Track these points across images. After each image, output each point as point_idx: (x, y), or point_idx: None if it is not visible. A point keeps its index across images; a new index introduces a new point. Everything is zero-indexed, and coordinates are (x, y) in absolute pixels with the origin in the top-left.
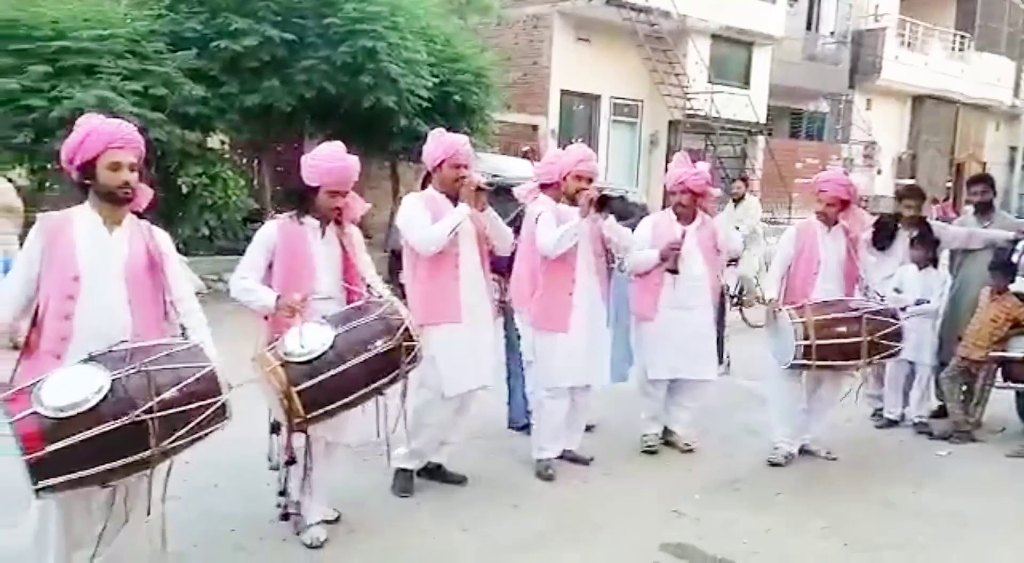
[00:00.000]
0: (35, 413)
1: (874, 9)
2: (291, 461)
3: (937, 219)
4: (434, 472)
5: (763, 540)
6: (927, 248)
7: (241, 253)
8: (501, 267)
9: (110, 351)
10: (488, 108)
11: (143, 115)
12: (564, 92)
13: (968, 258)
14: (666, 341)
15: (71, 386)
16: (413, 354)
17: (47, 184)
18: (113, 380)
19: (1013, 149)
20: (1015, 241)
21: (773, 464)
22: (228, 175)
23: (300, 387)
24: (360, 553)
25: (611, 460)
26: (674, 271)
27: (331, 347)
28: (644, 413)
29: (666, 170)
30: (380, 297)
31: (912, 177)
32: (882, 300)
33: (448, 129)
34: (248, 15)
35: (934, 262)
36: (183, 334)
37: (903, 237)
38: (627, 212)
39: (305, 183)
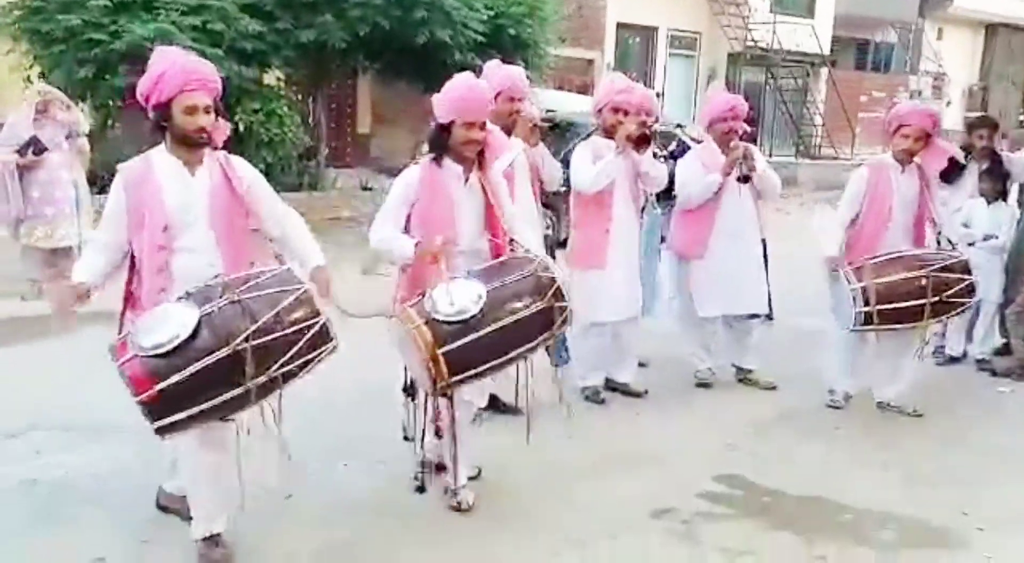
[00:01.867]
0: (136, 356)
1: None
2: (438, 434)
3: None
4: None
5: (820, 473)
6: (997, 181)
7: (297, 189)
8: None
9: (206, 286)
10: (543, 42)
11: (201, 50)
12: (620, 25)
13: None
14: (717, 277)
15: (162, 325)
16: (564, 316)
17: (110, 122)
18: (205, 314)
19: None
20: None
21: (832, 407)
22: (284, 112)
23: (446, 348)
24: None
25: (664, 394)
26: (747, 178)
27: (482, 305)
28: (690, 349)
29: None
30: (527, 252)
31: (983, 110)
32: (953, 247)
33: (502, 63)
34: None
35: (1004, 196)
36: (277, 258)
37: (972, 170)
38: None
39: (438, 122)
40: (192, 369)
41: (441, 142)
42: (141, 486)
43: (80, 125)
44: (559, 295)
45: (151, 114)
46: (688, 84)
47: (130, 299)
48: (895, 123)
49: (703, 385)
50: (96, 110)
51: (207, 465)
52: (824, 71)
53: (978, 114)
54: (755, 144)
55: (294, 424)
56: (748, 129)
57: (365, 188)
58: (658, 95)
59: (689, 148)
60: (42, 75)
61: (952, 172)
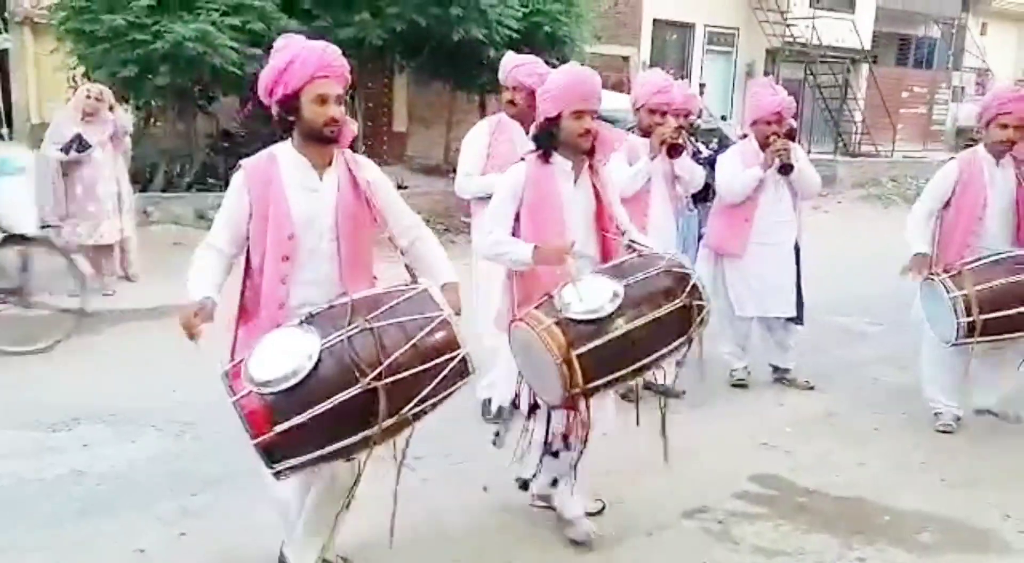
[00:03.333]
0: (252, 391)
1: None
2: (556, 452)
3: None
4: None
5: (857, 473)
6: None
7: None
8: None
9: (329, 308)
10: (578, 39)
11: (241, 50)
12: (656, 21)
13: None
14: (754, 278)
15: (281, 355)
16: (703, 316)
17: (152, 120)
18: (331, 344)
19: None
20: None
21: (942, 432)
22: None
23: (582, 349)
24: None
25: (700, 394)
26: (788, 168)
27: (619, 302)
28: (726, 348)
29: None
30: (650, 250)
31: None
32: None
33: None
34: None
35: None
36: (409, 272)
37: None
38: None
39: (545, 117)
40: (318, 409)
41: (550, 137)
42: (178, 476)
43: (126, 124)
44: (696, 293)
45: (274, 109)
46: (726, 81)
47: (244, 313)
48: (992, 111)
49: (739, 385)
50: (138, 109)
51: (310, 495)
52: (865, 67)
53: None
54: (794, 141)
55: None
56: (793, 124)
57: (401, 187)
58: (701, 86)
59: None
60: (86, 75)
61: None
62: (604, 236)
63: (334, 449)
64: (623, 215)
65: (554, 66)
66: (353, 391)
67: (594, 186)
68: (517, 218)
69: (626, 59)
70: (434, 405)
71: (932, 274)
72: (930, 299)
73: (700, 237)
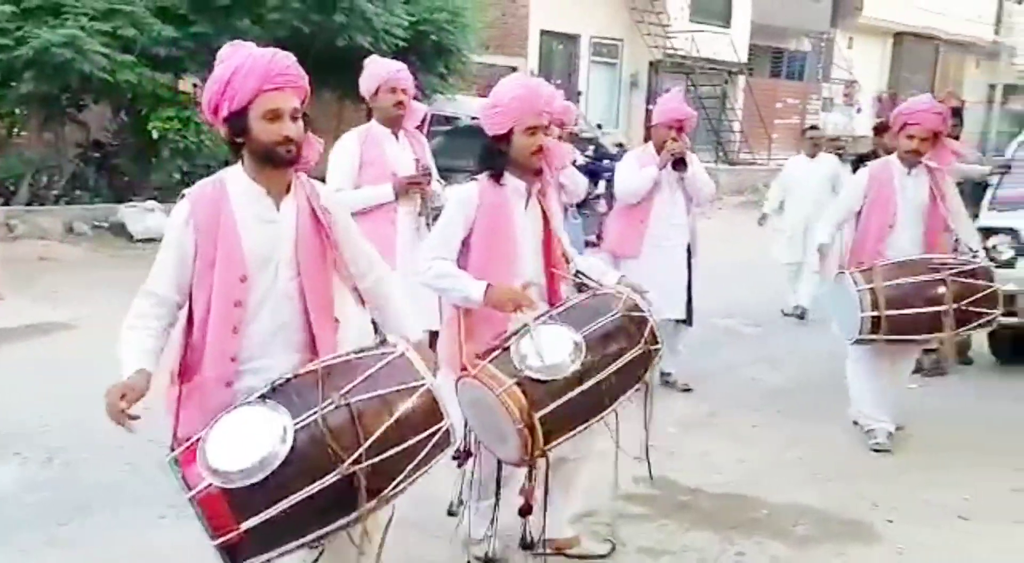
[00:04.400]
0: (212, 485)
1: None
2: (527, 511)
3: None
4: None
5: (737, 470)
6: None
7: None
8: None
9: (295, 377)
10: (465, 49)
11: (112, 57)
12: (543, 32)
13: None
14: (647, 280)
15: (246, 440)
16: (657, 359)
17: (16, 130)
18: (304, 424)
19: (992, 87)
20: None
21: (877, 450)
22: (201, 119)
23: (543, 412)
24: None
25: None
26: (682, 163)
27: (583, 357)
28: None
29: (647, 111)
30: (599, 285)
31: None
32: (974, 255)
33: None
34: None
35: None
36: (375, 329)
37: None
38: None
39: (493, 134)
40: (291, 500)
41: (500, 156)
42: (44, 505)
43: None
44: (653, 336)
45: (222, 130)
46: (611, 91)
47: (186, 373)
48: (901, 120)
49: None
50: (1, 119)
51: None
52: (742, 79)
53: (883, 120)
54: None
55: None
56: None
57: None
58: (577, 95)
59: (609, 156)
60: None
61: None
62: (552, 263)
63: (305, 540)
64: (567, 239)
65: (441, 75)
66: (330, 479)
67: (543, 209)
68: (464, 244)
69: (514, 69)
70: (413, 481)
71: (842, 270)
72: (837, 296)
73: (586, 244)
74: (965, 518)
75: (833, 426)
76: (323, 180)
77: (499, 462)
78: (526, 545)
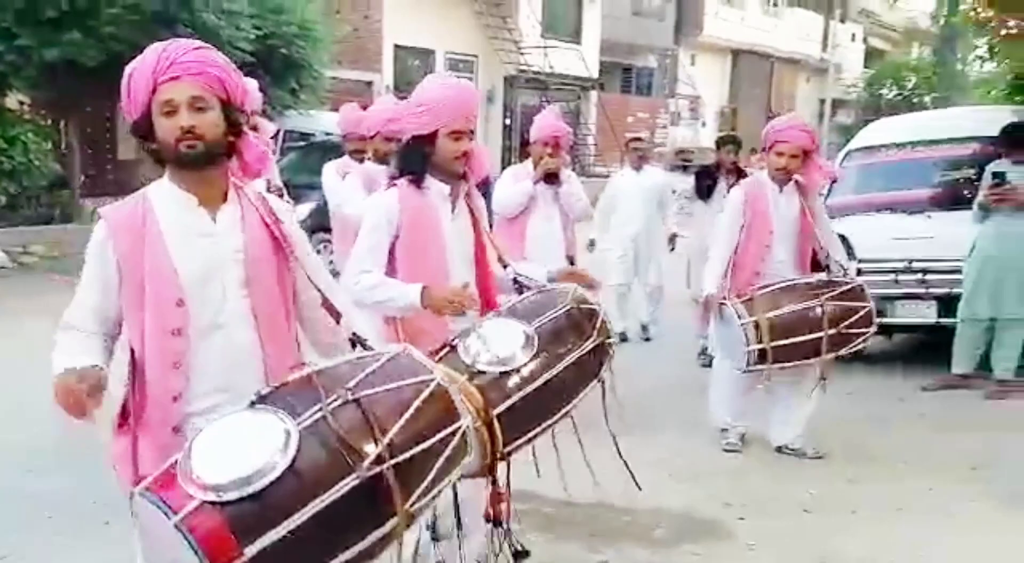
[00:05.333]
0: (204, 504)
1: None
2: (498, 522)
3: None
4: None
5: (601, 479)
6: None
7: (46, 222)
8: None
9: (282, 385)
10: (317, 63)
11: None
12: (398, 47)
13: None
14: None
15: (238, 448)
16: (611, 352)
17: None
18: (309, 424)
19: (822, 101)
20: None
21: (728, 451)
22: (29, 138)
23: (501, 408)
24: None
25: None
26: (555, 177)
27: (535, 348)
28: None
29: (504, 126)
30: (541, 283)
31: (733, 129)
32: (845, 273)
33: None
34: None
35: None
36: (358, 342)
37: (722, 186)
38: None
39: (415, 134)
40: (303, 514)
41: (422, 159)
42: None
43: None
44: (604, 328)
45: (136, 140)
46: None
47: (126, 420)
48: (770, 139)
49: None
50: None
51: None
52: (594, 94)
53: (724, 133)
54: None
55: None
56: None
57: None
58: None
59: None
60: None
61: (704, 188)
62: (485, 270)
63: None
64: (501, 244)
65: (293, 90)
66: (347, 485)
67: (472, 214)
68: (389, 254)
69: (369, 84)
70: (441, 490)
71: (724, 300)
72: (722, 324)
73: None
74: (808, 510)
75: (690, 427)
76: None
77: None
78: (518, 554)
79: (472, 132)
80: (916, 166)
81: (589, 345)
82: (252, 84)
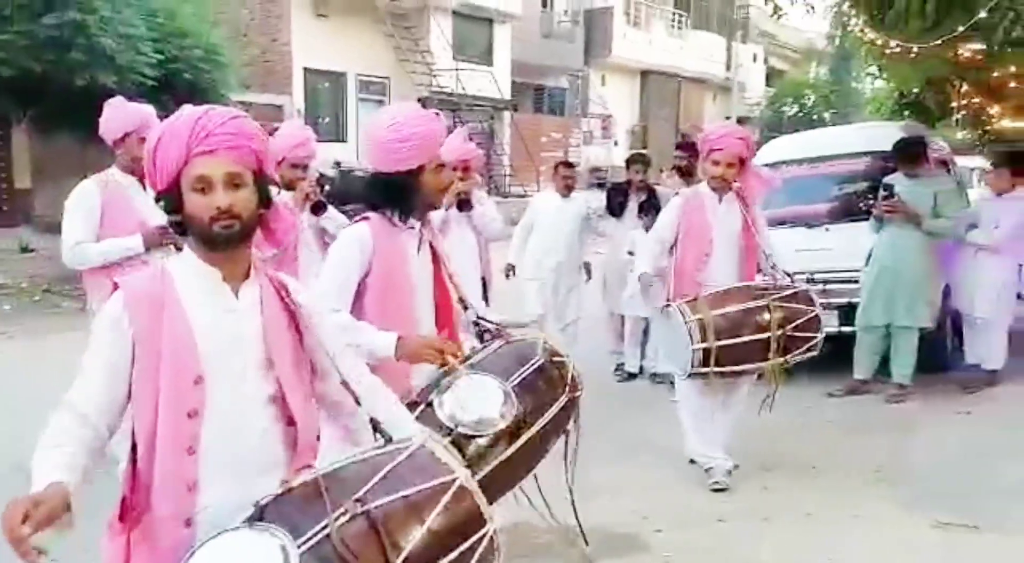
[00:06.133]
0: None
1: None
2: None
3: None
4: None
5: (522, 501)
6: (653, 212)
7: None
8: None
9: (287, 492)
10: (224, 87)
11: None
12: (307, 70)
13: None
14: None
15: None
16: (578, 407)
17: None
18: (311, 544)
19: (728, 118)
20: None
21: (718, 490)
22: None
23: (481, 474)
24: None
25: None
26: (467, 204)
27: (514, 410)
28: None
29: None
30: (502, 330)
31: (644, 147)
32: (792, 279)
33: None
34: None
35: None
36: (376, 429)
37: (633, 203)
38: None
39: (394, 170)
40: None
41: (409, 193)
42: None
43: None
44: (575, 382)
45: (160, 207)
46: None
47: (130, 516)
48: (706, 148)
49: None
50: None
51: None
52: (507, 115)
53: (634, 151)
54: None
55: None
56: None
57: (26, 250)
58: (335, 138)
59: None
60: None
61: (615, 205)
62: (448, 311)
63: None
64: (460, 283)
65: None
66: None
67: (433, 250)
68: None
69: (279, 108)
70: None
71: (668, 303)
72: (666, 329)
73: None
74: (723, 519)
75: (604, 441)
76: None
77: None
78: None
79: (451, 165)
80: (814, 181)
81: (563, 401)
82: (308, 132)
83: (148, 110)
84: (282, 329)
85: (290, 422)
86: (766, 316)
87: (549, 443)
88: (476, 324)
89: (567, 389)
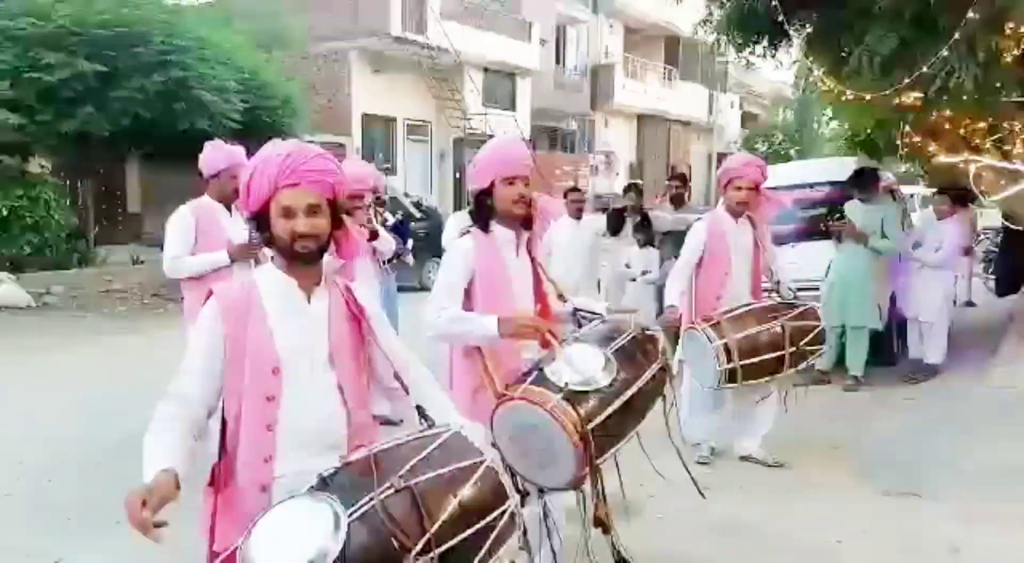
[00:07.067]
0: None
1: (605, 49)
2: (605, 528)
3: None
4: None
5: None
6: (646, 232)
7: (65, 266)
8: None
9: (345, 465)
10: (297, 129)
11: None
12: (365, 115)
13: (667, 238)
14: None
15: (293, 537)
16: (671, 374)
17: None
18: (361, 513)
19: (709, 155)
20: None
21: (702, 464)
22: (49, 196)
23: (594, 423)
24: None
25: None
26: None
27: (614, 371)
28: None
29: (455, 179)
30: (606, 316)
31: (641, 178)
32: (795, 296)
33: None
34: (59, 49)
35: (651, 242)
36: (421, 415)
37: (629, 224)
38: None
39: (477, 188)
40: None
41: (485, 207)
42: None
43: None
44: (664, 353)
45: (249, 226)
46: (424, 164)
47: (218, 482)
48: (727, 176)
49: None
50: None
51: None
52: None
53: (629, 182)
54: None
55: None
56: None
57: (136, 262)
58: (387, 170)
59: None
60: None
61: (614, 226)
62: (545, 305)
63: None
64: (559, 284)
65: None
66: None
67: (531, 257)
68: (465, 294)
69: (341, 146)
70: None
71: (693, 325)
72: (691, 348)
73: (400, 289)
74: (706, 488)
75: None
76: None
77: (544, 506)
78: (622, 560)
79: (527, 179)
80: (782, 207)
81: (655, 367)
82: (368, 170)
83: (240, 151)
84: (345, 330)
85: (351, 407)
86: (780, 333)
87: (647, 405)
88: (575, 313)
89: (661, 356)
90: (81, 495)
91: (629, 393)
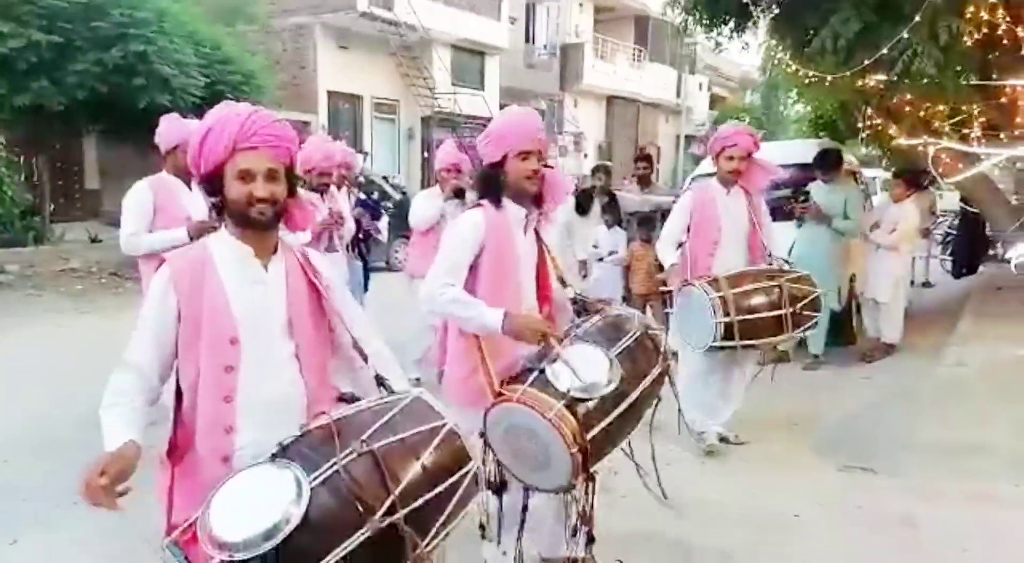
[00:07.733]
0: (224, 559)
1: (574, 28)
2: (591, 537)
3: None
4: None
5: None
6: (614, 212)
7: (20, 244)
8: None
9: (305, 433)
10: (261, 105)
11: None
12: (330, 93)
13: (634, 218)
14: None
15: (255, 504)
16: (671, 375)
17: None
18: (324, 478)
19: (678, 137)
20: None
21: (709, 453)
22: (2, 171)
23: (592, 433)
24: None
25: None
26: (461, 192)
27: (619, 375)
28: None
29: (423, 158)
30: (612, 309)
31: (609, 159)
32: (790, 266)
33: None
34: (12, 19)
35: (619, 223)
36: (380, 383)
37: (597, 205)
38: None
39: (489, 162)
40: None
41: (496, 182)
42: None
43: None
44: (666, 355)
45: (201, 189)
46: (392, 142)
47: (175, 453)
48: (719, 145)
49: None
50: None
51: None
52: None
53: (598, 163)
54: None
55: None
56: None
57: (94, 240)
58: (364, 153)
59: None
60: None
61: (583, 206)
62: (546, 288)
63: None
64: (561, 265)
65: None
66: (362, 534)
67: (539, 237)
68: (470, 270)
69: (307, 124)
70: (448, 532)
71: (688, 281)
72: (685, 308)
73: (373, 269)
74: (669, 464)
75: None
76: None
77: (526, 492)
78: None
79: (541, 152)
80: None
81: (657, 370)
82: (334, 148)
83: (197, 126)
84: (303, 298)
85: (310, 376)
86: (778, 292)
87: (645, 408)
88: (574, 301)
89: (662, 359)
90: (39, 475)
91: (630, 399)
